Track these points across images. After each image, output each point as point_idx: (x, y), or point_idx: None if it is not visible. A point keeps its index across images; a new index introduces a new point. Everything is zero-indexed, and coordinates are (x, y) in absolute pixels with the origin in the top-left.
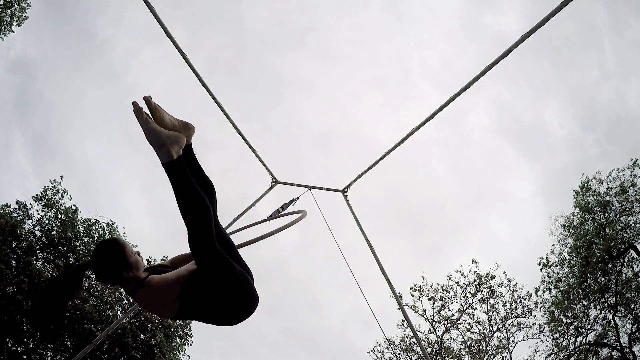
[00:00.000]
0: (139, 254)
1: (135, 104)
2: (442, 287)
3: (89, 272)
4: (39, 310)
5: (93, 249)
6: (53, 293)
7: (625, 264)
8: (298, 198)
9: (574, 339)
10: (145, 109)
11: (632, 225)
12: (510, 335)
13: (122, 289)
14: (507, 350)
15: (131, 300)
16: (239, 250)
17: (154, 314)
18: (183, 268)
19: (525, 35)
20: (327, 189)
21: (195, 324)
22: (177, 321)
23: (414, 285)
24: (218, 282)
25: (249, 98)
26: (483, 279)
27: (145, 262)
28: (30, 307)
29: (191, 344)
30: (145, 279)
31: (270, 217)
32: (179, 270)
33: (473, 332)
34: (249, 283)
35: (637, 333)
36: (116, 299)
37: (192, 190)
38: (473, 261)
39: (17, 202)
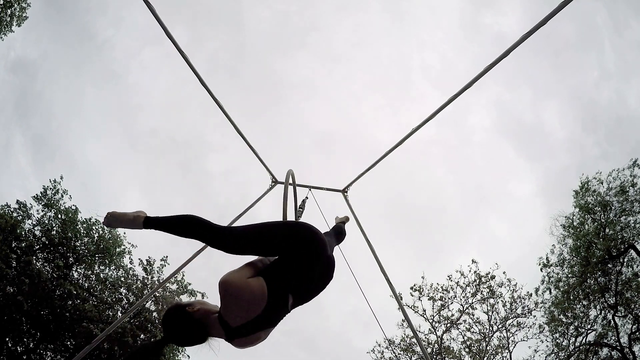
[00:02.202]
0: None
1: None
2: (442, 287)
3: (171, 345)
4: None
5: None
6: None
7: (625, 264)
8: (307, 198)
9: (574, 339)
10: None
11: (632, 225)
12: (510, 335)
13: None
14: (507, 350)
15: (131, 300)
16: None
17: (247, 306)
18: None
19: (525, 36)
20: (327, 189)
21: None
22: None
23: (414, 285)
24: (272, 244)
25: (250, 99)
26: (483, 279)
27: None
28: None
29: None
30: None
31: (300, 217)
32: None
33: (473, 332)
34: (290, 224)
35: (637, 333)
36: (116, 299)
37: (174, 219)
38: (473, 261)
39: (17, 202)
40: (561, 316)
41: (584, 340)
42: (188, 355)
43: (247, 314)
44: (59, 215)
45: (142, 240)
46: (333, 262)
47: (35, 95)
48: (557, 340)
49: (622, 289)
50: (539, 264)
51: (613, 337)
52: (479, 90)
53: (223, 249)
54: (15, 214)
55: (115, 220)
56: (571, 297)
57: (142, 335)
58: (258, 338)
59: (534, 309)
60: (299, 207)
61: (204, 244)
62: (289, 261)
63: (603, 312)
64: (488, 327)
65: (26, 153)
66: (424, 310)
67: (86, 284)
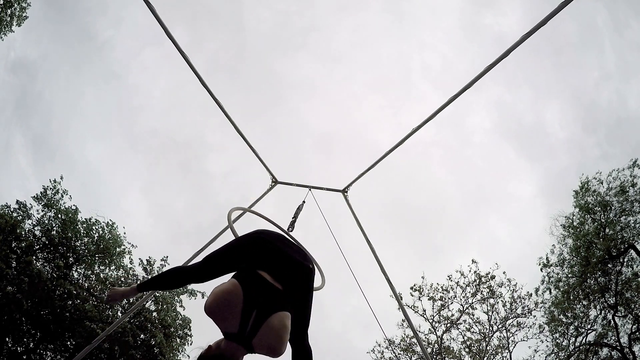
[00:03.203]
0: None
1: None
2: (442, 287)
3: None
4: None
5: None
6: None
7: (625, 264)
8: (305, 202)
9: (574, 339)
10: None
11: (632, 225)
12: (510, 335)
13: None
14: (507, 350)
15: (131, 300)
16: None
17: (227, 304)
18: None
19: (526, 36)
20: (327, 189)
21: (195, 324)
22: (178, 320)
23: (414, 285)
24: (234, 258)
25: (250, 99)
26: (483, 279)
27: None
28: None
29: (191, 344)
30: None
31: (291, 227)
32: None
33: (473, 332)
34: (236, 241)
35: (637, 333)
36: None
37: (159, 276)
38: (473, 261)
39: (17, 202)
40: (561, 316)
41: (584, 340)
42: (188, 355)
43: (232, 310)
44: (59, 215)
45: (142, 240)
46: (278, 233)
47: (35, 96)
48: (557, 340)
49: (622, 289)
50: (539, 264)
51: (613, 337)
52: (479, 91)
53: (204, 280)
54: (15, 214)
55: (117, 294)
56: (571, 297)
57: (142, 335)
58: (271, 328)
59: (534, 309)
60: (292, 217)
61: (203, 246)
62: (246, 253)
63: (603, 312)
64: (488, 327)
65: (26, 153)
66: (424, 310)
67: (86, 284)
